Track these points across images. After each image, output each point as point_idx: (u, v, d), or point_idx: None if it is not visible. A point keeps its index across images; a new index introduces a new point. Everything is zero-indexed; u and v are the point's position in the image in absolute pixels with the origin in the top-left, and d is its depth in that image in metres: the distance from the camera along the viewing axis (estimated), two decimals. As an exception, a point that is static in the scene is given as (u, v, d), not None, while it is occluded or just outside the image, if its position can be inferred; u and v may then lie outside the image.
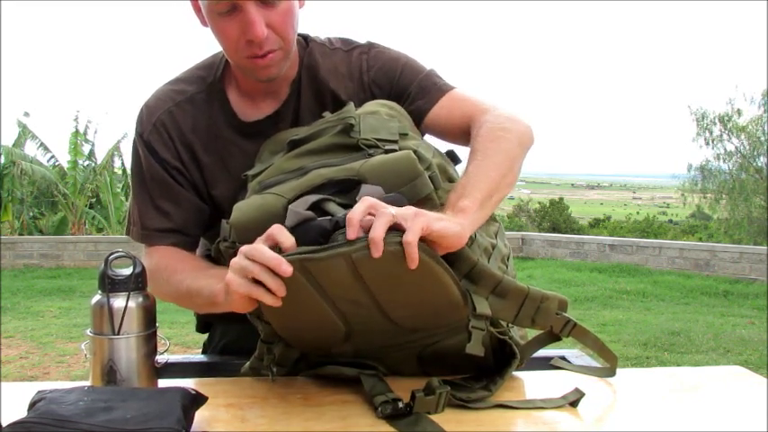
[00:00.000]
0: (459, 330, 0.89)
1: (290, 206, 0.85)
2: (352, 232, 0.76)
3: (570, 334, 0.95)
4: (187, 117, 1.10)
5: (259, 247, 0.79)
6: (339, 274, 0.79)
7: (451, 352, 0.95)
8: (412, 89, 1.10)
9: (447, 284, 0.84)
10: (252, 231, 0.83)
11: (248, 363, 0.99)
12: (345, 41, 1.15)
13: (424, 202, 0.86)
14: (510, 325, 0.97)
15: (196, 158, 1.11)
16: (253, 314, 0.94)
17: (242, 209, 0.90)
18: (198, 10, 1.04)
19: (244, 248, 0.81)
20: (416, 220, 0.77)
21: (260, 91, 1.11)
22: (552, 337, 0.98)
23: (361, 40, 1.16)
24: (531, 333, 1.03)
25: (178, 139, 1.10)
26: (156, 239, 1.09)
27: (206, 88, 1.11)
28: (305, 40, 1.14)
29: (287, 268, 0.76)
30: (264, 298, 0.79)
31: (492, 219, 1.03)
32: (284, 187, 0.90)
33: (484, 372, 0.99)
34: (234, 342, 1.23)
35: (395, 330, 0.91)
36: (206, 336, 1.33)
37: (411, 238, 0.75)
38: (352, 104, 1.01)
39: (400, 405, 0.85)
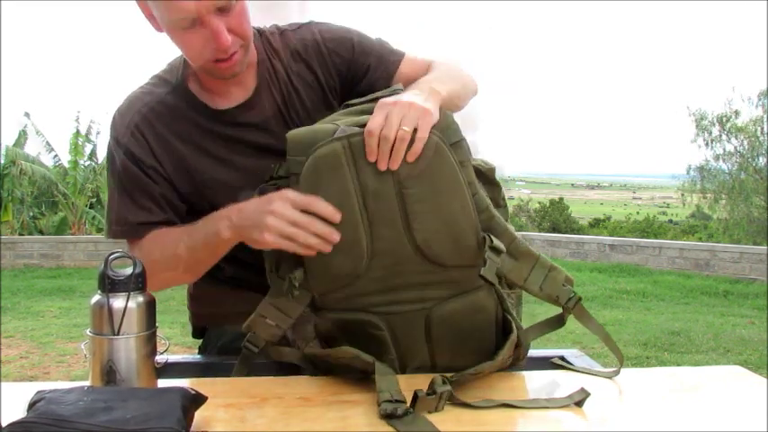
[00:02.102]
0: (468, 290, 0.98)
1: (340, 125, 0.95)
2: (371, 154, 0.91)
3: (575, 309, 1.01)
4: (160, 117, 1.13)
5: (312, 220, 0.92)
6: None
7: (458, 319, 0.99)
8: (371, 61, 1.18)
9: (466, 203, 0.95)
10: (304, 145, 0.94)
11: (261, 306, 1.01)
12: (288, 25, 1.21)
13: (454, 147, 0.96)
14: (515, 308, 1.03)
15: (176, 152, 1.13)
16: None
17: (296, 131, 0.98)
18: (150, 16, 1.05)
19: (296, 199, 0.92)
20: (424, 122, 0.92)
21: (224, 83, 1.14)
22: (557, 323, 1.05)
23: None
24: (535, 344, 1.06)
25: (154, 139, 1.13)
26: (141, 231, 1.12)
27: (172, 90, 1.15)
28: (257, 31, 1.19)
29: (336, 237, 0.92)
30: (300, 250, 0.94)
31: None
32: (339, 121, 0.98)
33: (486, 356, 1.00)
34: (229, 343, 1.23)
35: (413, 258, 0.95)
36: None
37: (422, 134, 0.91)
38: (400, 84, 1.10)
39: (399, 411, 0.85)
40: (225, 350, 1.24)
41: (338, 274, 0.97)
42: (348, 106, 1.05)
